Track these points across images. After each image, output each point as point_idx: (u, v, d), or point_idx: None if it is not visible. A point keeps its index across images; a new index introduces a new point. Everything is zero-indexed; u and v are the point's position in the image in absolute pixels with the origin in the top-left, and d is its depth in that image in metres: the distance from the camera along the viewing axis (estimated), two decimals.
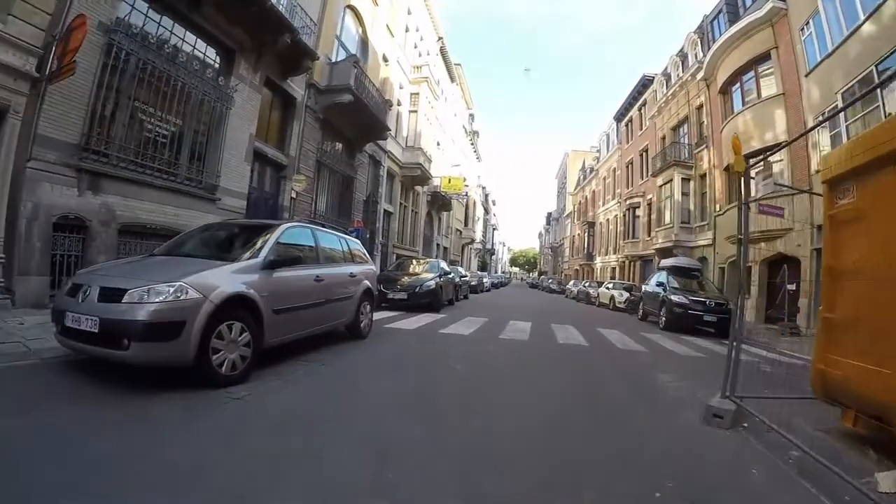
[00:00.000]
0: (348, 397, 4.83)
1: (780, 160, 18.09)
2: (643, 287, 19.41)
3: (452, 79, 39.24)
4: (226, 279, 4.79)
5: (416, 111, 27.28)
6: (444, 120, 36.16)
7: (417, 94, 27.24)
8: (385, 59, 22.43)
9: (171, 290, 4.27)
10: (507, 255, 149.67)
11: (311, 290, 6.36)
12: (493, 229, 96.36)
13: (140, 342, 4.08)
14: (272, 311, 5.26)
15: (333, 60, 16.93)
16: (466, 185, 40.53)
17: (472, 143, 52.93)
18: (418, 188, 30.31)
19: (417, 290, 13.99)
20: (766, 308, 18.70)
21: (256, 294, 5.01)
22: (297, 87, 15.02)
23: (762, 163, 7.69)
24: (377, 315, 10.94)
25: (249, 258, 5.35)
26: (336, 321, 7.37)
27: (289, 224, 6.63)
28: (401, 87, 25.42)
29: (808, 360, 5.66)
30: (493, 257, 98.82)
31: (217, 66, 11.55)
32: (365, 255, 9.02)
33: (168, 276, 4.48)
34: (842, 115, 14.58)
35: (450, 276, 17.28)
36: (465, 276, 24.88)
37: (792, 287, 15.88)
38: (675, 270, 17.40)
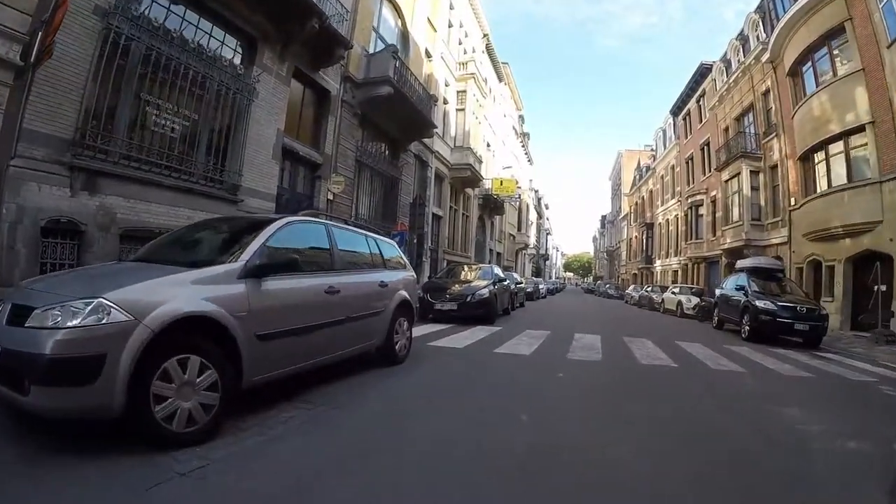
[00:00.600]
0: (356, 472, 3.07)
1: (864, 144, 15.90)
2: (717, 291, 17.57)
3: (500, 78, 37.86)
4: (178, 293, 3.38)
5: (463, 109, 26.12)
6: (494, 120, 34.84)
7: (464, 91, 26.03)
8: (428, 55, 21.37)
9: (86, 309, 2.93)
10: (561, 260, 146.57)
11: (322, 305, 4.83)
12: (547, 234, 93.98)
13: (41, 385, 2.83)
14: (256, 336, 3.81)
15: (371, 52, 15.92)
16: (519, 188, 38.91)
17: (522, 146, 51.21)
18: (469, 191, 29.00)
19: (469, 299, 12.41)
20: (854, 314, 16.47)
21: (227, 313, 3.56)
22: (331, 79, 14.01)
23: None
24: (422, 329, 9.77)
25: (224, 263, 3.91)
26: (360, 344, 5.74)
27: (290, 218, 5.01)
28: (447, 85, 24.34)
29: None
30: (547, 262, 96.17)
31: (238, 54, 10.67)
32: (403, 259, 7.50)
33: (91, 288, 3.18)
34: None
35: (504, 283, 15.77)
36: (521, 283, 23.34)
37: (883, 288, 13.74)
38: (755, 272, 15.43)
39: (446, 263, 22.84)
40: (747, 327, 13.23)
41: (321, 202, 13.83)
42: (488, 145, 32.58)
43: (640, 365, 7.92)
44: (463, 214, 28.59)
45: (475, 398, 5.19)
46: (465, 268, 16.59)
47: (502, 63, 37.40)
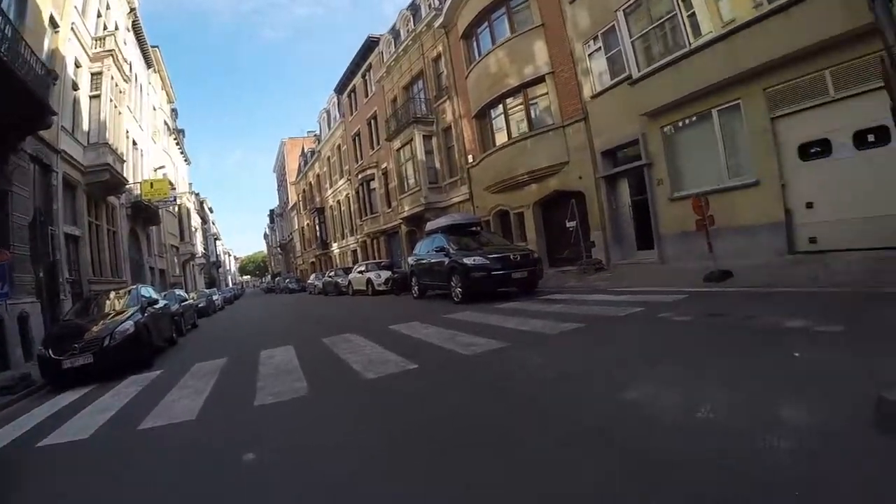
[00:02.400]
0: None
1: (545, 93, 15.60)
2: (410, 260, 15.29)
3: (149, 63, 29.92)
4: None
5: (98, 96, 18.29)
6: (141, 113, 26.89)
7: (100, 73, 18.39)
8: (54, 24, 14.29)
9: None
10: (236, 264, 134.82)
11: None
12: (216, 239, 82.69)
13: None
14: None
15: None
16: (173, 188, 31.07)
17: (178, 143, 42.06)
18: (113, 200, 20.73)
19: (107, 343, 7.78)
20: (549, 252, 16.27)
21: None
22: None
23: None
24: (44, 409, 6.24)
25: None
26: None
27: None
28: (77, 66, 16.81)
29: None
30: (221, 270, 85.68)
31: None
32: None
33: None
34: (625, 32, 12.25)
35: (159, 305, 10.74)
36: (187, 300, 17.78)
37: (572, 224, 13.39)
38: (450, 230, 13.49)
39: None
40: (458, 290, 11.21)
41: None
42: (134, 143, 24.82)
43: (368, 381, 4.88)
44: (109, 230, 20.20)
45: None
46: (108, 297, 10.72)
47: (152, 47, 29.71)
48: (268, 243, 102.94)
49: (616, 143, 13.52)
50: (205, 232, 64.77)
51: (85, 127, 17.75)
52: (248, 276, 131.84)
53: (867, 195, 8.50)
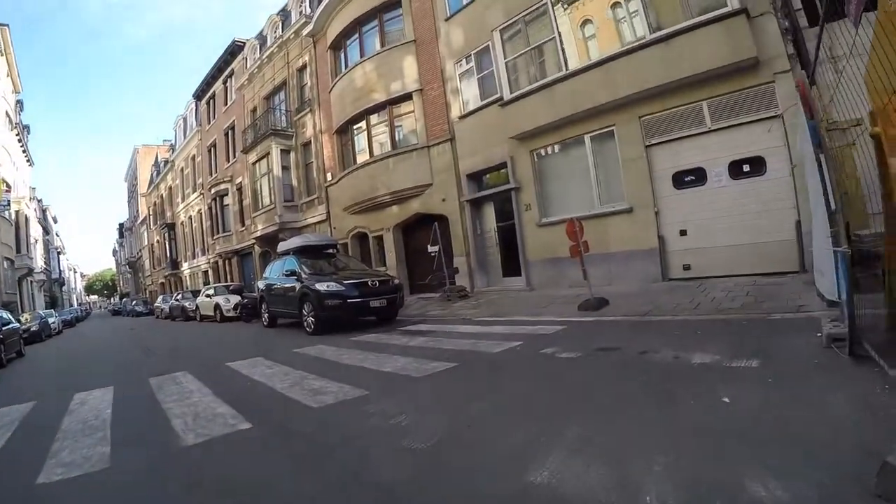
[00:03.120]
0: None
1: (411, 111, 13.97)
2: (259, 284, 12.55)
3: None
4: None
5: None
6: None
7: None
8: None
9: None
10: (82, 282, 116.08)
11: None
12: (59, 253, 69.05)
13: None
14: None
15: None
16: (8, 190, 24.62)
17: (20, 140, 34.17)
18: None
19: None
20: (410, 278, 14.38)
21: None
22: None
23: None
24: None
25: None
26: None
27: None
28: None
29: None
30: (64, 288, 71.94)
31: None
32: None
33: None
34: (499, 53, 11.04)
35: None
36: (11, 324, 12.88)
37: (434, 249, 11.78)
38: (303, 252, 11.12)
39: None
40: (311, 319, 9.02)
41: None
42: None
43: (184, 450, 3.25)
44: None
45: None
46: None
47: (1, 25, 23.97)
48: (117, 260, 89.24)
49: (483, 165, 12.10)
50: (47, 244, 53.44)
51: None
52: (96, 296, 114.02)
53: (741, 223, 7.84)
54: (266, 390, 4.69)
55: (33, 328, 18.27)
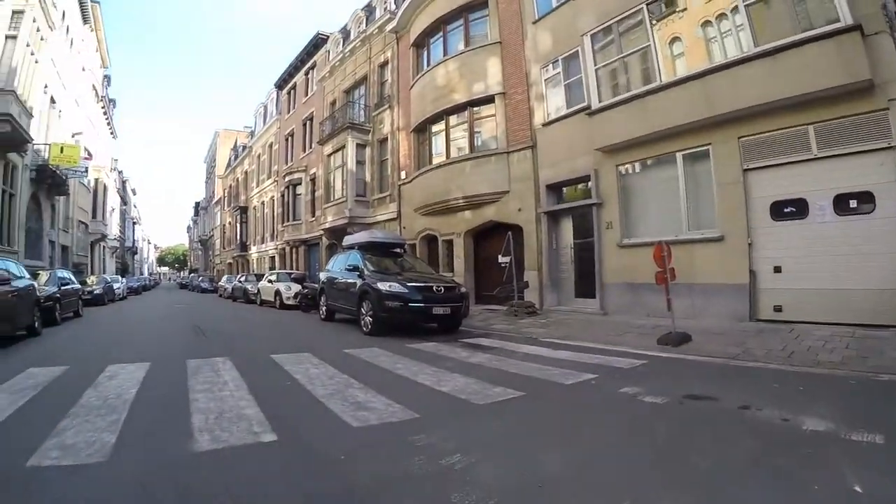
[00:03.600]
0: None
1: (492, 115, 14.00)
2: (321, 275, 12.85)
3: (86, 19, 26.29)
4: None
5: (15, 36, 15.22)
6: (66, 69, 22.84)
7: (22, 12, 15.29)
8: None
9: None
10: (155, 253, 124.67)
11: None
12: (135, 223, 74.43)
13: None
14: None
15: None
16: (87, 159, 26.74)
17: (105, 113, 36.91)
18: (14, 158, 17.10)
19: None
20: (476, 288, 14.48)
21: None
22: None
23: None
24: None
25: None
26: None
27: None
28: None
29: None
30: (136, 257, 77.51)
31: None
32: None
33: None
34: (589, 59, 10.87)
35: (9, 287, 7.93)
36: (72, 284, 14.14)
37: (506, 260, 11.77)
38: (369, 248, 11.26)
39: None
40: (369, 318, 9.04)
41: None
42: (52, 101, 21.20)
43: (195, 456, 2.95)
44: (4, 191, 16.78)
45: None
46: None
47: (92, 1, 26.20)
48: (190, 237, 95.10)
49: (564, 177, 12.00)
50: (123, 214, 58.16)
51: None
52: (167, 268, 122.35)
53: (843, 265, 7.38)
54: (304, 395, 4.45)
55: (97, 291, 20.04)
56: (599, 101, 10.61)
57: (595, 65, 10.77)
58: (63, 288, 12.54)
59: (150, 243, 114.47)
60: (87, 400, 4.19)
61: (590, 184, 11.32)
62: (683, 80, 9.03)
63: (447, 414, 3.90)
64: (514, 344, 7.69)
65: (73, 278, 14.94)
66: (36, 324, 9.21)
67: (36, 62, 17.20)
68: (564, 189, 12.40)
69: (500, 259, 11.97)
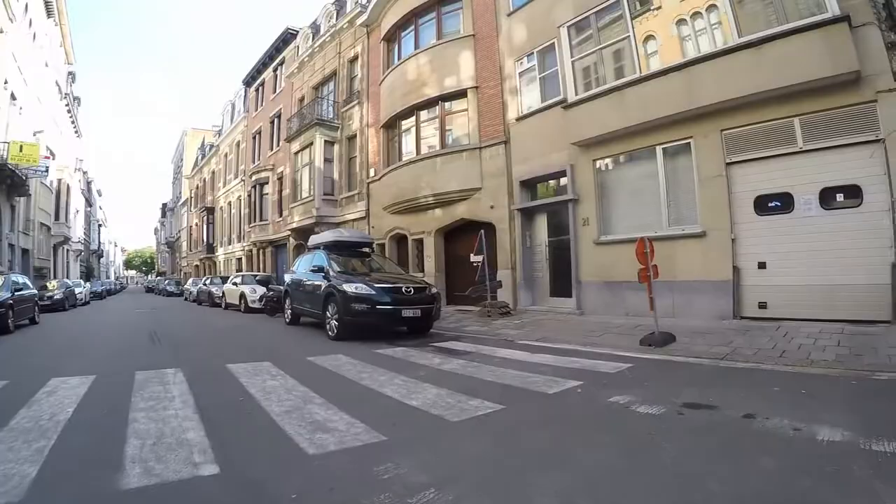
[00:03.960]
0: None
1: (464, 109, 13.54)
2: (286, 277, 12.18)
3: (50, 13, 25.14)
4: None
5: None
6: (28, 64, 21.66)
7: None
8: None
9: None
10: (122, 256, 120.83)
11: None
12: (100, 226, 71.67)
13: None
14: None
15: None
16: (48, 158, 25.23)
17: (69, 111, 35.42)
18: None
19: None
20: (447, 288, 13.91)
21: None
22: None
23: None
24: None
25: None
26: None
27: None
28: None
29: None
30: (102, 260, 74.73)
31: None
32: None
33: None
34: (566, 52, 10.47)
35: None
36: (26, 289, 13.17)
37: (478, 259, 11.27)
38: (337, 248, 10.64)
39: None
40: (334, 322, 8.49)
41: None
42: (13, 97, 20.00)
43: (115, 496, 2.44)
44: None
45: None
46: None
47: None
48: (157, 239, 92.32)
49: (539, 172, 11.56)
50: (88, 216, 55.93)
51: None
52: (135, 272, 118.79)
53: (829, 260, 7.10)
54: (257, 413, 3.94)
55: (56, 296, 18.97)
56: (576, 94, 10.23)
57: (572, 57, 10.38)
58: (17, 294, 11.75)
59: (116, 246, 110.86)
60: (19, 422, 3.70)
61: (565, 179, 10.92)
62: (664, 72, 8.70)
63: (418, 434, 3.42)
64: (489, 347, 7.25)
65: (28, 283, 13.96)
66: None
67: None
68: (539, 185, 11.97)
69: (473, 258, 11.47)
